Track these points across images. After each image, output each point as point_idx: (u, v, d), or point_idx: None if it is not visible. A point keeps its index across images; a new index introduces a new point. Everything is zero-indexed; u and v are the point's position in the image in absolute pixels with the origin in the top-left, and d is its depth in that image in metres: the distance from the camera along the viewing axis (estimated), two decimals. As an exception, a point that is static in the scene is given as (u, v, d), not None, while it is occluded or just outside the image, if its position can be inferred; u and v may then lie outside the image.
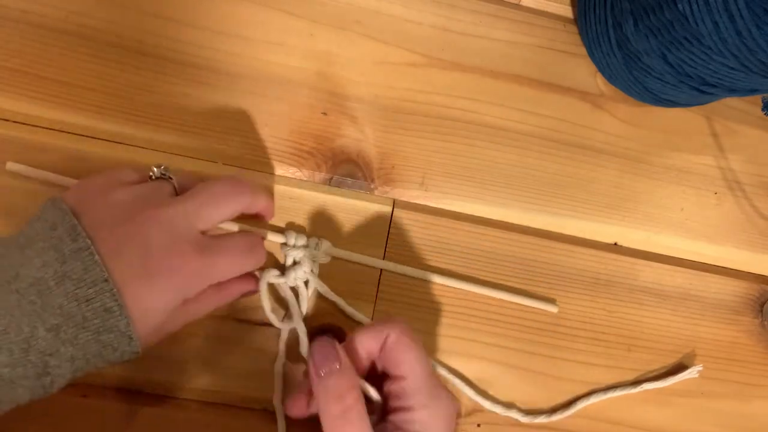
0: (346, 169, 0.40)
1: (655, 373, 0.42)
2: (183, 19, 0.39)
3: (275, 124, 0.39)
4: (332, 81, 0.40)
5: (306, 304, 0.37)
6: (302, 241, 0.37)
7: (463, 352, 0.40)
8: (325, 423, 0.29)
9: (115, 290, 0.27)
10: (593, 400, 0.41)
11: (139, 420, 0.36)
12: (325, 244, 0.38)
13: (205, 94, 0.39)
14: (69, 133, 0.37)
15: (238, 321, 0.38)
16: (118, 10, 0.38)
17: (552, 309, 0.41)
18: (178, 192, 0.32)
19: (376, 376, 0.32)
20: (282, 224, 0.39)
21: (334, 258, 0.38)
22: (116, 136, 0.38)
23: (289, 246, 0.37)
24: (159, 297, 0.29)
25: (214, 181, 0.32)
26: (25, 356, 0.26)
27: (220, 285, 0.33)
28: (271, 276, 0.36)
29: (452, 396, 0.32)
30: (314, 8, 0.40)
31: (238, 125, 0.39)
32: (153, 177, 0.32)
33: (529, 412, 0.40)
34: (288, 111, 0.40)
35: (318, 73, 0.40)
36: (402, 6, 0.41)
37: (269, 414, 0.38)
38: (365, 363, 0.32)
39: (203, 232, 0.31)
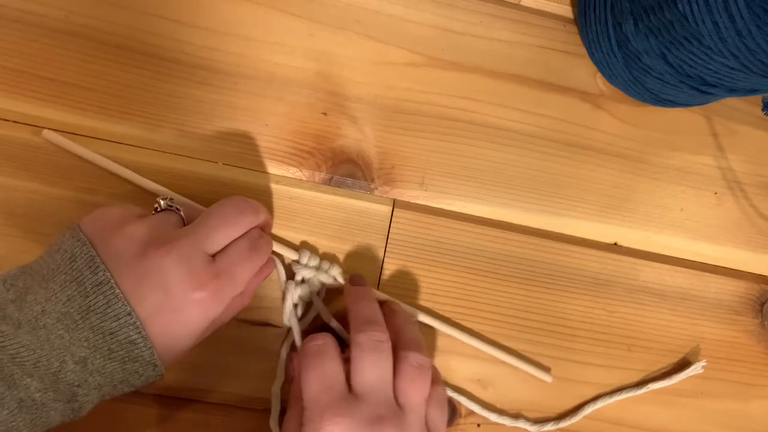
0: (346, 169, 0.40)
1: (657, 373, 0.42)
2: (183, 19, 0.39)
3: (275, 124, 0.39)
4: (332, 81, 0.40)
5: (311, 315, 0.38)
6: (314, 262, 0.37)
7: (464, 352, 0.40)
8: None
9: (138, 323, 0.28)
10: (600, 404, 0.41)
11: (139, 420, 0.36)
12: (336, 270, 0.38)
13: (205, 94, 0.39)
14: (69, 133, 0.37)
15: (238, 321, 0.38)
16: (119, 10, 0.38)
17: (546, 378, 0.40)
18: (186, 221, 0.33)
19: None
20: (286, 231, 0.39)
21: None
22: (116, 136, 0.38)
23: (300, 264, 0.37)
24: (184, 328, 0.30)
25: (218, 205, 0.33)
26: (55, 385, 0.27)
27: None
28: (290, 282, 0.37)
29: (333, 418, 0.31)
30: (314, 8, 0.40)
31: (238, 125, 0.39)
32: (159, 209, 0.33)
33: (537, 421, 0.40)
34: (288, 111, 0.40)
35: (318, 73, 0.40)
36: (402, 6, 0.41)
37: (269, 414, 0.38)
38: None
39: (213, 255, 0.32)
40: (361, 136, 0.40)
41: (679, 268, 0.43)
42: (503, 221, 0.42)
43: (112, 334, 0.28)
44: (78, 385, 0.28)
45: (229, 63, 0.39)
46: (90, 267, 0.28)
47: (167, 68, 0.38)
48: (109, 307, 0.28)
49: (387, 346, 0.32)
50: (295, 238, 0.39)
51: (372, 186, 0.40)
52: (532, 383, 0.41)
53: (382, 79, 0.41)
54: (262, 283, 0.38)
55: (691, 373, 0.41)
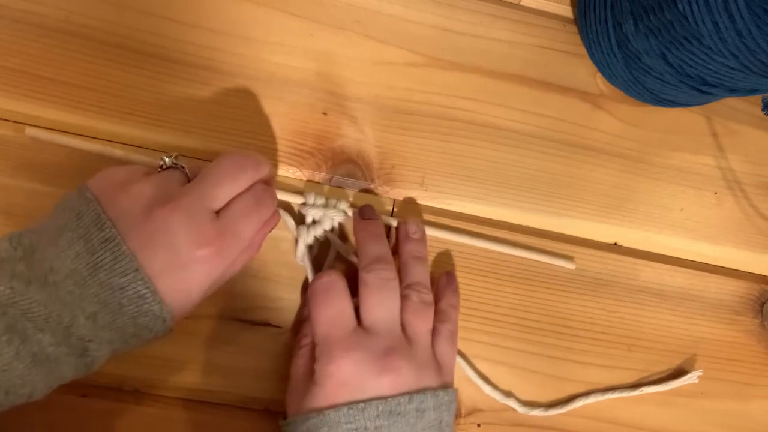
0: (346, 169, 0.40)
1: (655, 376, 0.42)
2: (183, 19, 0.39)
3: (275, 124, 0.39)
4: (332, 81, 0.40)
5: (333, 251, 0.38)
6: (321, 200, 0.37)
7: (463, 352, 0.40)
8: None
9: (146, 278, 0.29)
10: (592, 399, 0.41)
11: (139, 420, 0.36)
12: (344, 204, 0.38)
13: (205, 94, 0.39)
14: (69, 132, 0.37)
15: (238, 321, 0.38)
16: (119, 10, 0.38)
17: (569, 266, 0.41)
18: (190, 178, 0.33)
19: None
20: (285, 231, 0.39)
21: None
22: (116, 136, 0.38)
23: (308, 205, 0.37)
24: (192, 284, 0.31)
25: (219, 160, 0.33)
26: (67, 340, 0.28)
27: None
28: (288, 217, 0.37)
29: (347, 352, 0.32)
30: (314, 8, 0.40)
31: (238, 125, 0.39)
32: (164, 166, 0.33)
33: (526, 404, 0.40)
34: (288, 111, 0.40)
35: (318, 73, 0.40)
36: (402, 6, 0.41)
37: (269, 414, 0.38)
38: None
39: (217, 211, 0.32)
40: (361, 136, 0.40)
41: (679, 268, 0.43)
42: (503, 221, 0.42)
43: (121, 289, 0.28)
44: (90, 340, 0.28)
45: (230, 63, 0.39)
46: (96, 224, 0.29)
47: (167, 68, 0.38)
48: (117, 263, 0.28)
49: (394, 284, 0.34)
50: (295, 238, 0.39)
51: (372, 186, 0.40)
52: (530, 382, 0.41)
53: (382, 79, 0.41)
54: (262, 283, 0.38)
55: (687, 382, 0.41)
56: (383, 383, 0.31)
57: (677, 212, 0.44)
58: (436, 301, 0.36)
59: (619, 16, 0.39)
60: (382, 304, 0.33)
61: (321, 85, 0.40)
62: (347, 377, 0.31)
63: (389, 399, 0.31)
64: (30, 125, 0.37)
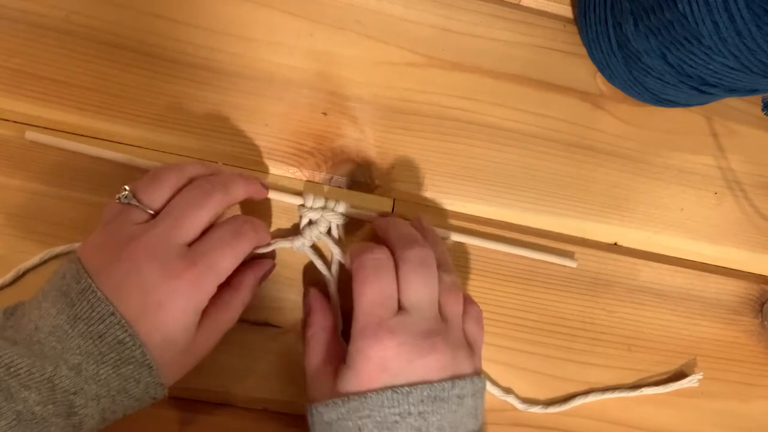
0: (346, 169, 0.40)
1: (656, 377, 0.42)
2: (183, 19, 0.39)
3: (275, 124, 0.39)
4: (332, 81, 0.40)
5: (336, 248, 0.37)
6: (320, 202, 0.37)
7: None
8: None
9: (123, 321, 0.28)
10: (591, 398, 0.41)
11: (138, 419, 0.36)
12: (342, 205, 0.38)
13: (205, 94, 0.39)
14: (69, 133, 0.37)
15: (238, 321, 0.38)
16: (118, 10, 0.38)
17: (571, 264, 0.41)
18: (152, 210, 0.31)
19: None
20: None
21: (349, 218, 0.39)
22: (116, 136, 0.38)
23: (306, 207, 0.37)
24: (171, 322, 0.30)
25: (185, 190, 0.32)
26: (52, 395, 0.27)
27: (233, 284, 0.34)
28: (283, 242, 0.37)
29: (392, 333, 0.31)
30: (314, 8, 0.40)
31: (238, 125, 0.39)
32: (121, 202, 0.32)
33: (526, 401, 0.40)
34: (288, 111, 0.40)
35: (318, 73, 0.40)
36: (402, 6, 0.41)
37: (269, 414, 0.38)
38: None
39: (191, 243, 0.31)
40: (361, 136, 0.40)
41: (679, 268, 0.43)
42: (503, 221, 0.42)
43: (100, 337, 0.28)
44: (74, 393, 0.28)
45: (229, 63, 0.39)
46: (75, 278, 0.29)
47: (167, 68, 0.38)
48: (93, 310, 0.28)
49: (433, 262, 0.33)
50: (295, 238, 0.39)
51: (372, 186, 0.40)
52: (530, 382, 0.41)
53: (382, 79, 0.41)
54: (262, 283, 0.37)
55: (686, 385, 0.41)
56: (423, 366, 0.30)
57: (677, 212, 0.44)
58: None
59: (619, 16, 0.39)
60: (425, 282, 0.32)
61: (321, 85, 0.40)
62: (388, 360, 0.30)
63: (435, 384, 0.30)
64: (30, 125, 0.37)
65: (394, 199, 0.40)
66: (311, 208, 0.37)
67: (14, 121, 0.37)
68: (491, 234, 0.41)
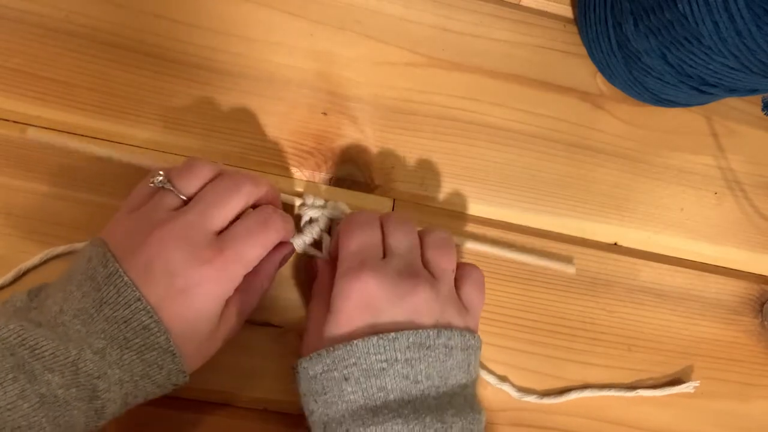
0: (346, 169, 0.40)
1: (654, 380, 0.42)
2: (183, 19, 0.39)
3: (275, 124, 0.39)
4: (332, 81, 0.40)
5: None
6: (320, 201, 0.37)
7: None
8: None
9: (149, 307, 0.28)
10: (587, 393, 0.41)
11: (138, 419, 0.36)
12: (342, 205, 0.38)
13: (206, 94, 0.39)
14: (69, 133, 0.37)
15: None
16: (119, 10, 0.38)
17: (570, 270, 0.41)
18: (185, 196, 0.32)
19: None
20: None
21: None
22: (116, 136, 0.38)
23: (307, 205, 0.37)
24: (196, 309, 0.30)
25: (216, 180, 0.32)
26: (75, 378, 0.27)
27: (253, 269, 0.33)
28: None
29: (372, 270, 0.31)
30: (314, 8, 0.40)
31: (239, 125, 0.39)
32: (154, 187, 0.32)
33: (521, 389, 0.40)
34: (288, 111, 0.40)
35: (318, 73, 0.40)
36: (402, 6, 0.41)
37: (269, 414, 0.38)
38: None
39: (219, 232, 0.31)
40: (361, 136, 0.40)
41: (679, 268, 0.43)
42: (503, 221, 0.42)
43: (125, 322, 0.28)
44: (98, 377, 0.28)
45: (230, 63, 0.39)
46: (102, 262, 0.29)
47: (167, 68, 0.38)
48: (120, 295, 0.28)
49: (414, 224, 0.34)
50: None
51: (372, 186, 0.40)
52: (530, 382, 0.41)
53: (382, 79, 0.41)
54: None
55: (683, 390, 0.41)
56: (408, 309, 0.30)
57: (677, 212, 0.44)
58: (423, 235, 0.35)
59: (619, 16, 0.39)
60: (405, 231, 0.33)
61: (321, 85, 0.40)
62: (370, 297, 0.30)
63: (420, 331, 0.29)
64: (31, 125, 0.37)
65: (394, 199, 0.40)
66: (312, 205, 0.37)
67: (14, 121, 0.37)
68: (491, 237, 0.41)
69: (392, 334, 0.29)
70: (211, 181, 0.32)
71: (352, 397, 0.29)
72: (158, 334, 0.29)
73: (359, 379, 0.29)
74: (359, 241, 0.32)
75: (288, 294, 0.38)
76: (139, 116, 0.38)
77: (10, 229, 0.36)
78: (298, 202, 0.38)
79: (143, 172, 0.37)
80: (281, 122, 0.39)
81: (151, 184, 0.32)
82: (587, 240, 0.43)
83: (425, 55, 0.41)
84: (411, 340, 0.29)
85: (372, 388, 0.29)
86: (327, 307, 0.32)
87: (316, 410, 0.30)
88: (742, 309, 0.44)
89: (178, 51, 0.39)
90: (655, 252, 0.44)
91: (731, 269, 0.45)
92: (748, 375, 0.43)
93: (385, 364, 0.29)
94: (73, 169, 0.37)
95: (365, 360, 0.29)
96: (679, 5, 0.33)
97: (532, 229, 0.42)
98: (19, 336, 0.27)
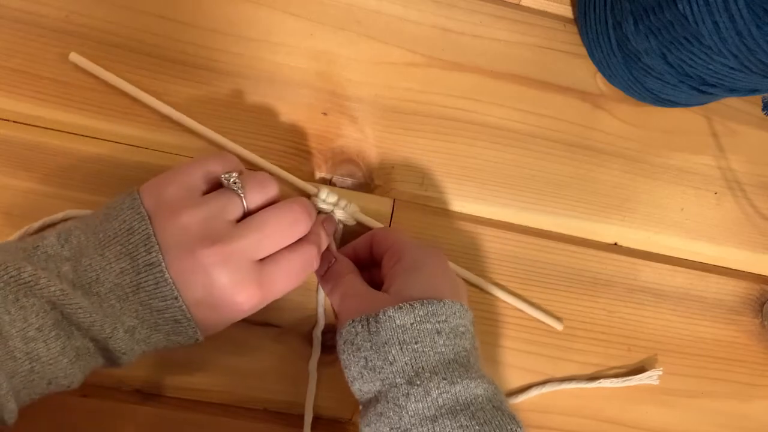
0: (346, 169, 0.40)
1: (615, 371, 0.42)
2: (183, 19, 0.39)
3: (275, 124, 0.39)
4: (332, 81, 0.40)
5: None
6: (333, 198, 0.37)
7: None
8: (331, 298, 0.36)
9: (184, 307, 0.29)
10: (548, 388, 0.40)
11: (139, 419, 0.36)
12: (353, 207, 0.38)
13: (205, 94, 0.39)
14: (69, 133, 0.37)
15: (238, 321, 0.38)
16: (119, 10, 0.38)
17: (557, 326, 0.41)
18: (247, 206, 0.31)
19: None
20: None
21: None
22: (116, 136, 0.38)
23: (319, 200, 0.37)
24: (224, 319, 0.31)
25: (277, 211, 0.32)
26: (105, 347, 0.29)
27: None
28: None
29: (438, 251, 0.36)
30: (314, 8, 0.40)
31: (239, 125, 0.39)
32: (224, 185, 0.31)
33: None
34: (288, 111, 0.40)
35: (318, 73, 0.40)
36: (402, 6, 0.41)
37: (269, 414, 0.38)
38: (360, 259, 0.37)
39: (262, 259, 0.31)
40: (361, 136, 0.40)
41: (679, 268, 0.43)
42: (503, 221, 0.42)
43: (159, 311, 0.29)
44: (124, 353, 0.30)
45: (230, 63, 0.39)
46: (145, 245, 0.29)
47: (167, 68, 0.38)
48: (158, 288, 0.29)
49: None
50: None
51: (372, 186, 0.40)
52: (530, 382, 0.41)
53: (382, 79, 0.41)
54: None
55: (645, 381, 0.41)
56: (462, 291, 0.35)
57: (677, 212, 0.44)
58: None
59: (619, 16, 0.39)
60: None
61: (321, 85, 0.40)
62: (447, 266, 0.35)
63: (470, 312, 0.33)
64: (30, 125, 0.37)
65: (394, 199, 0.40)
66: (324, 201, 0.37)
67: (14, 121, 0.37)
68: (491, 237, 0.41)
69: (466, 305, 0.33)
70: (274, 198, 0.32)
71: (443, 349, 0.31)
72: (188, 328, 0.30)
73: (450, 335, 0.31)
74: (404, 234, 0.37)
75: (288, 294, 0.38)
76: (138, 116, 0.38)
77: (10, 229, 0.36)
78: (311, 191, 0.38)
79: (142, 173, 0.37)
80: (281, 122, 0.39)
81: (224, 180, 0.31)
82: (587, 240, 0.43)
83: (425, 55, 0.41)
84: (472, 317, 0.33)
85: (458, 347, 0.31)
86: (366, 276, 0.35)
87: (401, 359, 0.31)
88: (742, 309, 0.44)
89: (178, 51, 0.39)
90: (655, 252, 0.44)
91: (731, 269, 0.45)
92: (748, 375, 0.43)
93: (464, 329, 0.32)
94: (73, 169, 0.37)
95: (453, 320, 0.32)
96: (679, 5, 0.33)
97: (532, 229, 0.42)
98: (59, 298, 0.27)
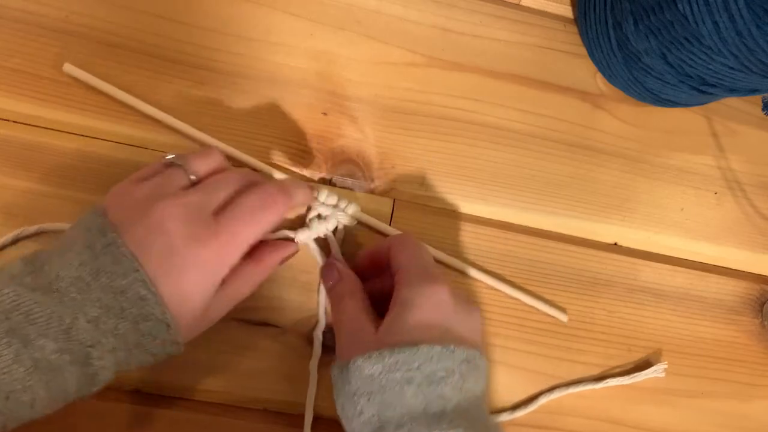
0: (346, 169, 0.40)
1: (620, 368, 0.42)
2: (183, 19, 0.39)
3: (275, 124, 0.39)
4: (332, 81, 0.40)
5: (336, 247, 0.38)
6: (333, 200, 0.37)
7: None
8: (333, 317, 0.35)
9: (146, 279, 0.28)
10: (557, 394, 0.40)
11: (138, 419, 0.36)
12: (353, 207, 0.38)
13: (206, 95, 0.39)
14: (69, 133, 0.37)
15: (238, 321, 0.38)
16: (119, 10, 0.38)
17: (562, 318, 0.41)
18: (194, 176, 0.32)
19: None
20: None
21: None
22: (116, 136, 0.38)
23: (318, 202, 0.37)
24: (191, 287, 0.30)
25: (225, 171, 0.33)
26: (68, 344, 0.27)
27: (256, 258, 0.34)
28: (287, 232, 0.37)
29: (445, 283, 0.33)
30: (314, 8, 0.40)
31: (239, 125, 0.39)
32: (166, 165, 0.33)
33: (492, 412, 0.40)
34: (288, 111, 0.40)
35: (318, 73, 0.40)
36: (402, 6, 0.41)
37: (269, 414, 0.38)
38: (372, 268, 0.37)
39: (217, 213, 0.31)
40: (361, 136, 0.40)
41: (679, 268, 0.43)
42: (503, 221, 0.42)
43: (122, 292, 0.28)
44: (91, 346, 0.28)
45: (229, 63, 0.39)
46: (101, 231, 0.29)
47: (167, 68, 0.38)
48: (117, 264, 0.28)
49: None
50: (295, 238, 0.39)
51: (372, 186, 0.40)
52: (530, 383, 0.41)
53: (382, 79, 0.41)
54: (261, 283, 0.37)
55: (651, 375, 0.41)
56: (466, 325, 0.32)
57: (677, 212, 0.44)
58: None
59: (619, 16, 0.39)
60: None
61: (321, 85, 0.40)
62: (442, 307, 0.32)
63: (471, 349, 0.31)
64: (30, 125, 0.37)
65: (394, 199, 0.40)
66: (323, 203, 0.37)
67: (14, 121, 0.37)
68: (490, 237, 0.41)
69: (452, 346, 0.30)
70: (221, 170, 0.33)
71: (412, 401, 0.29)
72: (154, 305, 0.28)
73: (422, 383, 0.29)
74: (417, 249, 0.35)
75: (288, 294, 0.38)
76: (138, 117, 0.38)
77: (10, 229, 0.36)
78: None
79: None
80: (281, 122, 0.39)
81: (164, 159, 0.32)
82: (587, 240, 0.43)
83: (425, 55, 0.41)
84: (465, 356, 0.30)
85: (432, 395, 0.29)
86: (366, 308, 0.33)
87: (368, 410, 0.30)
88: (742, 309, 0.44)
89: (178, 51, 0.39)
90: (655, 252, 0.44)
91: (731, 269, 0.45)
92: (748, 375, 0.43)
93: (444, 373, 0.30)
94: (73, 169, 0.37)
95: (428, 366, 0.29)
96: (679, 5, 0.33)
97: (531, 229, 0.42)
98: (14, 301, 0.27)
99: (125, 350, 0.29)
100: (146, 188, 0.31)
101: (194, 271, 0.30)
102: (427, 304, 0.31)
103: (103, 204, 0.31)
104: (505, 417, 0.39)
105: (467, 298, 0.35)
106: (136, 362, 0.30)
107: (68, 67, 0.37)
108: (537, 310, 0.41)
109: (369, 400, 0.30)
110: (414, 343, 0.30)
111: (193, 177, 0.32)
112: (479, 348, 0.32)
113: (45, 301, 0.27)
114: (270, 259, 0.35)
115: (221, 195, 0.32)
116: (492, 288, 0.41)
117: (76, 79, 0.37)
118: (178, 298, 0.30)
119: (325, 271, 0.37)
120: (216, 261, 0.30)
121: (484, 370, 0.32)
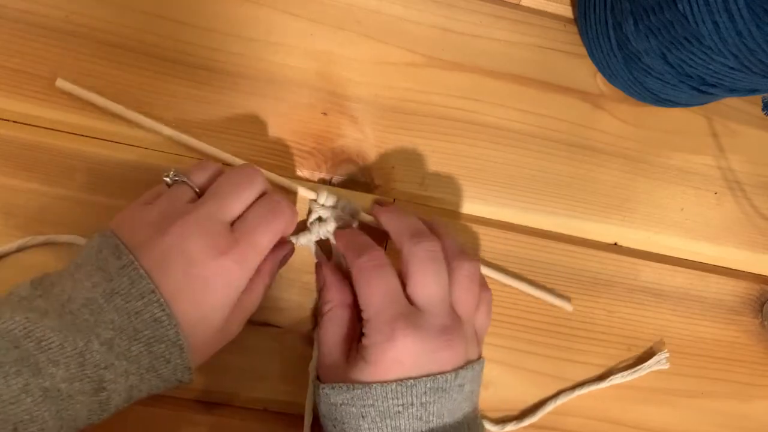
0: (346, 169, 0.40)
1: (623, 364, 0.42)
2: (183, 19, 0.39)
3: (275, 124, 0.39)
4: (332, 81, 0.40)
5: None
6: (332, 201, 0.37)
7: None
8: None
9: (162, 300, 0.28)
10: (562, 399, 0.40)
11: (138, 419, 0.36)
12: (353, 207, 0.38)
13: (205, 95, 0.39)
14: (69, 133, 0.37)
15: (238, 321, 0.38)
16: (119, 10, 0.38)
17: (567, 307, 0.41)
18: (198, 188, 0.33)
19: None
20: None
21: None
22: (116, 136, 0.38)
23: (318, 204, 0.37)
24: (212, 300, 0.30)
25: (228, 174, 0.33)
26: (81, 370, 0.27)
27: (257, 269, 0.33)
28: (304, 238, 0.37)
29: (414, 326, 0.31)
30: (314, 8, 0.40)
31: (238, 125, 0.39)
32: (169, 184, 0.33)
33: (498, 422, 0.40)
34: (288, 111, 0.40)
35: (318, 73, 0.40)
36: (402, 6, 0.41)
37: (269, 414, 0.38)
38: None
39: (233, 222, 0.32)
40: (361, 136, 0.40)
41: (679, 268, 0.43)
42: (503, 221, 0.42)
43: (137, 313, 0.28)
44: (105, 368, 0.27)
45: (229, 63, 0.39)
46: (114, 254, 0.29)
47: (167, 68, 0.38)
48: (133, 286, 0.28)
49: (442, 256, 0.33)
50: (295, 238, 0.39)
51: (372, 186, 0.40)
52: (530, 383, 0.41)
53: (382, 79, 0.41)
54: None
55: (655, 366, 0.41)
56: (438, 361, 0.31)
57: (677, 212, 0.44)
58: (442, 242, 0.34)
59: (619, 16, 0.39)
60: (435, 279, 0.32)
61: (321, 85, 0.40)
62: (404, 356, 0.30)
63: (438, 376, 0.30)
64: (30, 125, 0.37)
65: (394, 200, 0.40)
66: (323, 205, 0.37)
67: (14, 121, 0.37)
68: (490, 238, 0.41)
69: (411, 381, 0.30)
70: (220, 175, 0.33)
71: None
72: (168, 327, 0.28)
73: (375, 418, 0.30)
74: (382, 291, 0.32)
75: (288, 294, 0.38)
76: (138, 116, 0.38)
77: (10, 229, 0.36)
78: (310, 195, 0.37)
79: (142, 173, 0.37)
80: (281, 122, 0.39)
81: (166, 178, 0.33)
82: (587, 240, 0.43)
83: (425, 55, 0.41)
84: (429, 385, 0.30)
85: (387, 428, 0.30)
86: (344, 333, 0.33)
87: None
88: (742, 309, 0.44)
89: (178, 51, 0.39)
90: (655, 252, 0.44)
91: (731, 269, 0.45)
92: (748, 375, 0.43)
93: (401, 408, 0.30)
94: (73, 169, 0.37)
95: (382, 403, 0.30)
96: (679, 5, 0.33)
97: (531, 229, 0.42)
98: (25, 328, 0.26)
99: (137, 374, 0.29)
100: (155, 210, 0.31)
101: (218, 281, 0.30)
102: (388, 355, 0.30)
103: (110, 229, 0.31)
104: (510, 428, 0.39)
105: (443, 327, 0.31)
106: (147, 388, 0.30)
107: (61, 83, 0.37)
108: (537, 308, 0.41)
109: (334, 426, 0.32)
110: (367, 383, 0.30)
111: (197, 189, 0.33)
112: (459, 368, 0.31)
113: (57, 326, 0.27)
114: (267, 267, 0.35)
115: (233, 203, 0.32)
116: (491, 286, 0.41)
117: (75, 80, 0.37)
118: (197, 316, 0.30)
119: (316, 274, 0.38)
120: (238, 269, 0.31)
121: (467, 383, 0.31)
